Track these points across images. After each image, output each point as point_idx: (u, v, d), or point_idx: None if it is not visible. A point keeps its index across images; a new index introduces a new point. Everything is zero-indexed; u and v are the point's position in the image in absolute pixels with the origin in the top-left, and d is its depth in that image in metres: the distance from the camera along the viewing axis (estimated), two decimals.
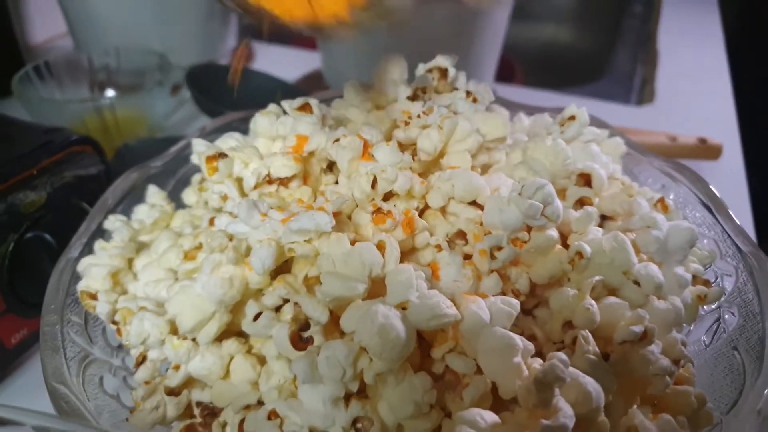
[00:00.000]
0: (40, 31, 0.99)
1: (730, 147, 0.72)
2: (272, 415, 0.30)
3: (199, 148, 0.40)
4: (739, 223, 0.40)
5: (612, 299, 0.32)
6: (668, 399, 0.31)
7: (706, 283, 0.38)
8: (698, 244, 0.39)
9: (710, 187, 0.42)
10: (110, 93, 0.76)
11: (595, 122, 0.48)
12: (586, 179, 0.39)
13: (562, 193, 0.38)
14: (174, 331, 0.34)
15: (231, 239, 0.34)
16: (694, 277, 0.37)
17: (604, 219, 0.38)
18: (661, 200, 0.39)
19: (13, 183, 0.43)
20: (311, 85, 0.88)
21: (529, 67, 0.99)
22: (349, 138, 0.35)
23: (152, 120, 0.71)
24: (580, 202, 0.37)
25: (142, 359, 0.35)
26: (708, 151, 0.68)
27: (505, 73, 0.90)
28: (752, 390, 0.31)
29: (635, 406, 0.31)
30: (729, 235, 0.40)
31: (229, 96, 0.71)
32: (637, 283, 0.33)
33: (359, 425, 0.29)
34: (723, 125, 0.81)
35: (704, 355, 0.36)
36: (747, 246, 0.38)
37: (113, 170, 0.51)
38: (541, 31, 1.15)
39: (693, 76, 0.94)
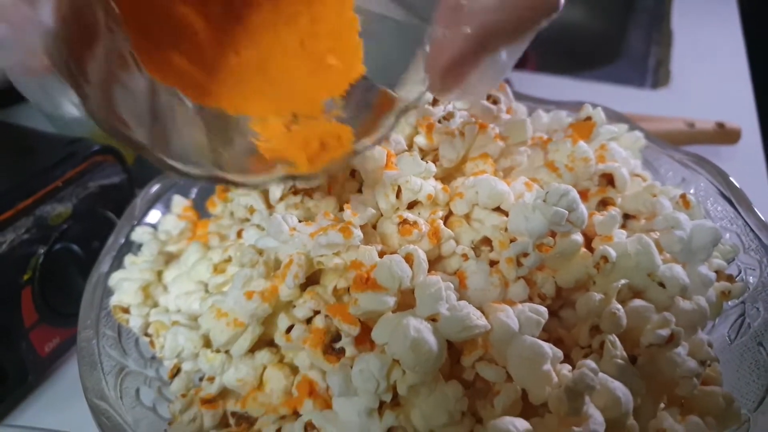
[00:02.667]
0: None
1: (749, 129, 0.72)
2: (308, 426, 0.30)
3: None
4: (761, 216, 0.40)
5: (638, 302, 0.32)
6: (696, 400, 0.32)
7: (730, 278, 0.38)
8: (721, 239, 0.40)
9: (731, 179, 0.43)
10: None
11: (614, 116, 0.48)
12: (608, 179, 0.39)
13: (584, 194, 0.38)
14: (207, 344, 0.35)
15: (261, 254, 0.34)
16: (717, 272, 0.37)
17: (627, 218, 0.38)
18: (683, 196, 0.39)
19: (41, 196, 0.43)
20: None
21: (541, 51, 0.98)
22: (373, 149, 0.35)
23: None
24: (603, 203, 0.38)
25: (176, 371, 0.36)
26: (727, 135, 0.68)
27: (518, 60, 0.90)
28: None
29: (663, 408, 0.31)
30: (752, 229, 0.40)
31: None
32: (662, 284, 0.33)
33: None
34: (741, 106, 0.80)
35: (730, 352, 0.37)
36: None
37: (136, 173, 0.52)
38: None
39: (709, 55, 0.93)
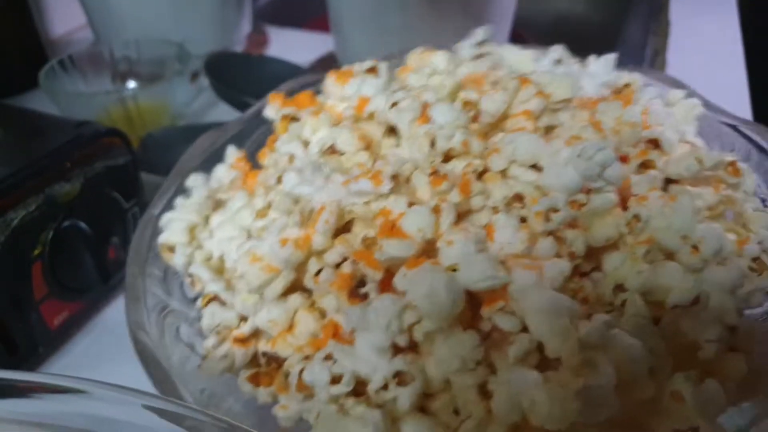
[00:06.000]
0: (59, 24, 1.02)
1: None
2: (328, 357, 0.31)
3: (275, 105, 0.42)
4: None
5: (667, 263, 0.32)
6: (719, 365, 0.31)
7: None
8: None
9: None
10: (132, 84, 0.79)
11: (672, 81, 0.47)
12: (655, 145, 0.38)
13: (626, 159, 0.37)
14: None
15: (297, 203, 0.35)
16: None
17: (669, 182, 0.37)
18: (732, 164, 0.37)
19: (51, 175, 0.46)
20: (325, 69, 0.89)
21: (540, 41, 0.98)
22: (408, 100, 0.36)
23: (173, 108, 0.74)
24: (644, 166, 0.37)
25: (209, 300, 0.38)
26: None
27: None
28: None
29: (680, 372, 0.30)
30: None
31: (245, 83, 0.73)
32: (696, 248, 0.32)
33: (399, 379, 0.30)
34: (734, 95, 0.78)
35: None
36: None
37: (140, 156, 0.54)
38: (552, 3, 1.13)
39: (705, 45, 0.91)
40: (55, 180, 0.46)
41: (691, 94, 0.45)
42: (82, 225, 0.48)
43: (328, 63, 0.90)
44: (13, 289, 0.44)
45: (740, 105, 0.76)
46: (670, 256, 0.33)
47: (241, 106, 0.68)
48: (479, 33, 0.41)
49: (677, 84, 0.46)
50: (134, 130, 0.68)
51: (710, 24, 0.97)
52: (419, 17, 0.72)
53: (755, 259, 0.35)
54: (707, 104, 0.45)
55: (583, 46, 0.46)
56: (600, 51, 0.45)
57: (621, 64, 0.44)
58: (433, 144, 0.35)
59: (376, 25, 0.75)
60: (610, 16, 1.08)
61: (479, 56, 0.41)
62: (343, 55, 0.84)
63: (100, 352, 0.49)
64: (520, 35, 0.91)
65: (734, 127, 0.44)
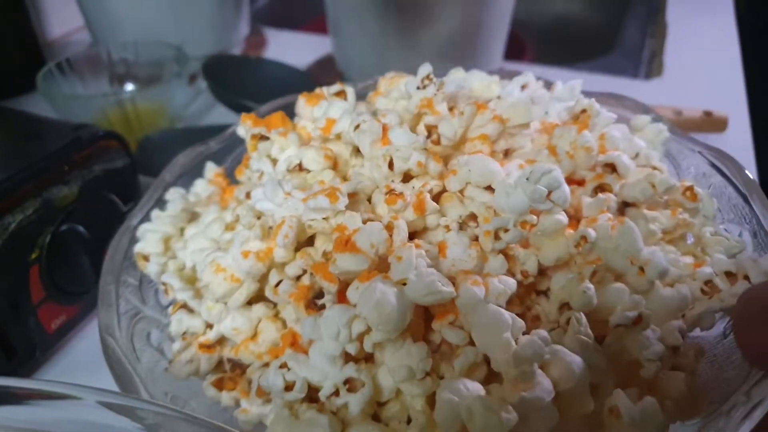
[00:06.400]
0: (57, 26, 1.03)
1: (737, 119, 0.72)
2: (283, 365, 0.32)
3: (246, 125, 0.44)
4: None
5: (614, 284, 0.33)
6: (660, 383, 0.32)
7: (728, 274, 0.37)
8: (730, 234, 0.39)
9: (746, 173, 0.42)
10: (129, 86, 0.79)
11: (639, 107, 0.48)
12: (612, 169, 0.39)
13: (582, 182, 0.39)
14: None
15: (259, 217, 0.37)
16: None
17: (627, 206, 0.38)
18: (690, 188, 0.39)
19: (48, 179, 0.46)
20: (323, 71, 0.90)
21: (538, 42, 1.02)
22: (369, 122, 0.37)
23: (172, 111, 0.74)
24: (601, 189, 0.38)
25: (179, 308, 0.39)
26: (714, 123, 0.69)
27: (515, 50, 0.91)
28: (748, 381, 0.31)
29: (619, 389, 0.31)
30: (762, 227, 0.39)
31: (243, 85, 0.74)
32: (642, 269, 0.33)
33: (350, 386, 0.32)
34: (731, 96, 0.80)
35: (721, 346, 0.36)
36: None
37: (138, 159, 0.55)
38: (550, 5, 1.16)
39: (702, 47, 0.93)
40: (52, 183, 0.46)
41: (658, 119, 0.46)
42: (80, 228, 0.48)
43: (326, 65, 0.91)
44: (11, 293, 0.45)
45: (737, 105, 0.78)
46: (619, 277, 0.34)
47: (239, 109, 0.69)
48: (424, 68, 0.42)
49: (646, 110, 0.47)
50: (132, 132, 0.68)
51: (707, 25, 0.99)
52: (417, 19, 0.73)
53: (707, 282, 0.36)
54: (672, 130, 0.46)
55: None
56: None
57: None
58: (391, 165, 0.36)
59: (373, 27, 0.76)
60: (608, 18, 1.10)
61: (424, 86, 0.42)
62: (340, 57, 0.85)
63: (98, 356, 0.48)
64: (518, 37, 0.94)
65: (701, 153, 0.44)
